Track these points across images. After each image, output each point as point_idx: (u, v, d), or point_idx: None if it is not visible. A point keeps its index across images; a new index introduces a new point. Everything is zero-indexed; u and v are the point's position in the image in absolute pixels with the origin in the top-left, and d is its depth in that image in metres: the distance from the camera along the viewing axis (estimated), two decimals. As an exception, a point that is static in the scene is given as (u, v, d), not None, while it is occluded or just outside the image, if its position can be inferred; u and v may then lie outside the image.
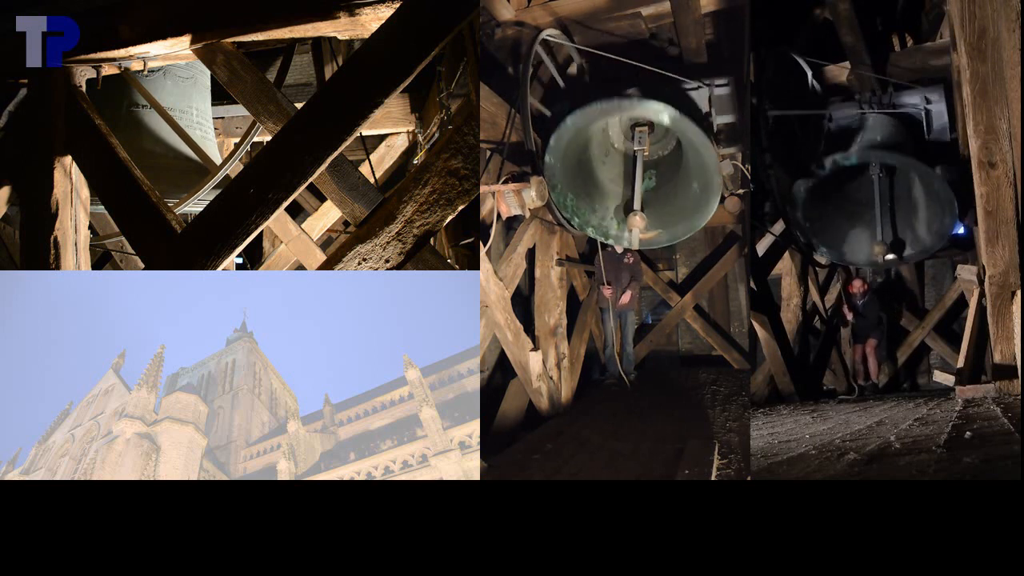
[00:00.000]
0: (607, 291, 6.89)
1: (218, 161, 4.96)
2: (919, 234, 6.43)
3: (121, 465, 8.89)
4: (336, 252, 2.99)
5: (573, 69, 5.72)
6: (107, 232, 5.75)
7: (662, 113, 4.88)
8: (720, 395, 6.19)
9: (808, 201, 6.41)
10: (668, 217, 5.46)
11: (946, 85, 6.14)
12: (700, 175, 5.19)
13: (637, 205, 5.05)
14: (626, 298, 7.00)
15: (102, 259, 6.79)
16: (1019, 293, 4.00)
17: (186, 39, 3.61)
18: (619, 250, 6.89)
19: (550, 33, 5.16)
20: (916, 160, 6.02)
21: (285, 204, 3.09)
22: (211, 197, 4.44)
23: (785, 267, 7.81)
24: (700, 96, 5.42)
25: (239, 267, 8.21)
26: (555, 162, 5.08)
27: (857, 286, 7.55)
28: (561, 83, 5.57)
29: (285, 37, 3.65)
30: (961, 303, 8.22)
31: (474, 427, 8.82)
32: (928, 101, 6.24)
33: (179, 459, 9.45)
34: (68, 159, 3.67)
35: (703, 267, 9.19)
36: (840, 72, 6.90)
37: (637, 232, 5.11)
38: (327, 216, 6.77)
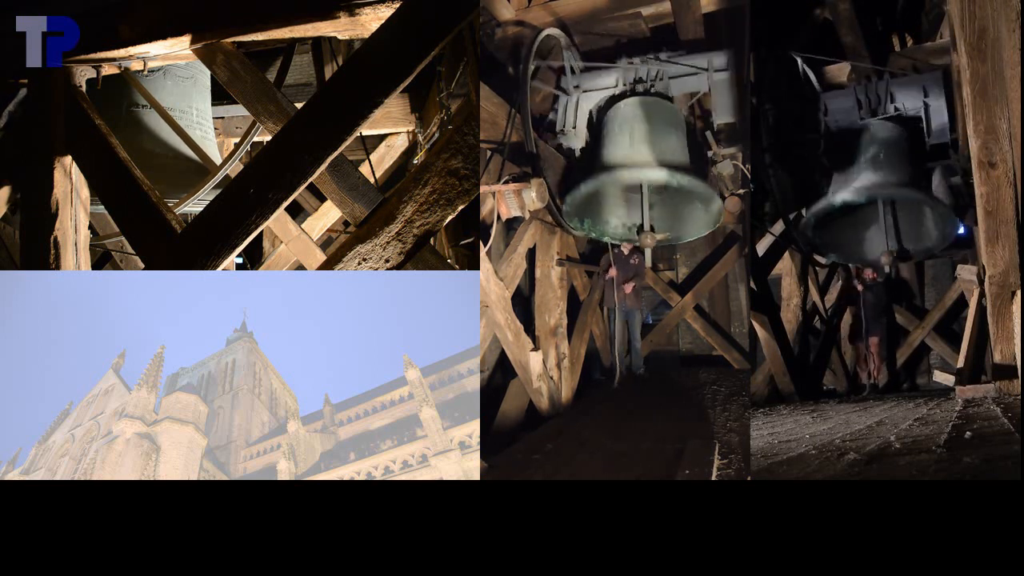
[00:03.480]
0: (627, 287, 7.07)
1: (218, 161, 4.96)
2: (923, 237, 6.46)
3: (121, 465, 8.88)
4: (336, 252, 2.99)
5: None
6: (107, 232, 5.75)
7: (662, 176, 5.49)
8: (720, 395, 6.19)
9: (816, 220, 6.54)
10: (675, 223, 5.74)
11: (945, 75, 6.11)
12: (702, 197, 5.47)
13: (647, 224, 5.37)
14: (628, 287, 7.11)
15: (102, 259, 6.79)
16: (1019, 293, 3.99)
17: (186, 39, 3.61)
18: (625, 252, 6.99)
19: (550, 33, 5.18)
20: (925, 195, 6.11)
21: (285, 204, 3.09)
22: (211, 197, 4.44)
23: (785, 267, 7.81)
24: (699, 81, 5.52)
25: (239, 267, 8.21)
26: (572, 210, 5.73)
27: (869, 273, 7.57)
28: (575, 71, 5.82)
29: (285, 37, 3.65)
30: (961, 303, 8.22)
31: (474, 427, 8.81)
32: (926, 94, 6.20)
33: (179, 459, 9.44)
34: (68, 159, 3.67)
35: (703, 267, 9.18)
36: (840, 72, 6.90)
37: (650, 252, 5.54)
38: (327, 216, 6.77)
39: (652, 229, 5.62)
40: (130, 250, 5.49)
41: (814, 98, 6.59)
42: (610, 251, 7.00)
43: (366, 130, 5.01)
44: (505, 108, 4.89)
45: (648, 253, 5.53)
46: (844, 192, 6.33)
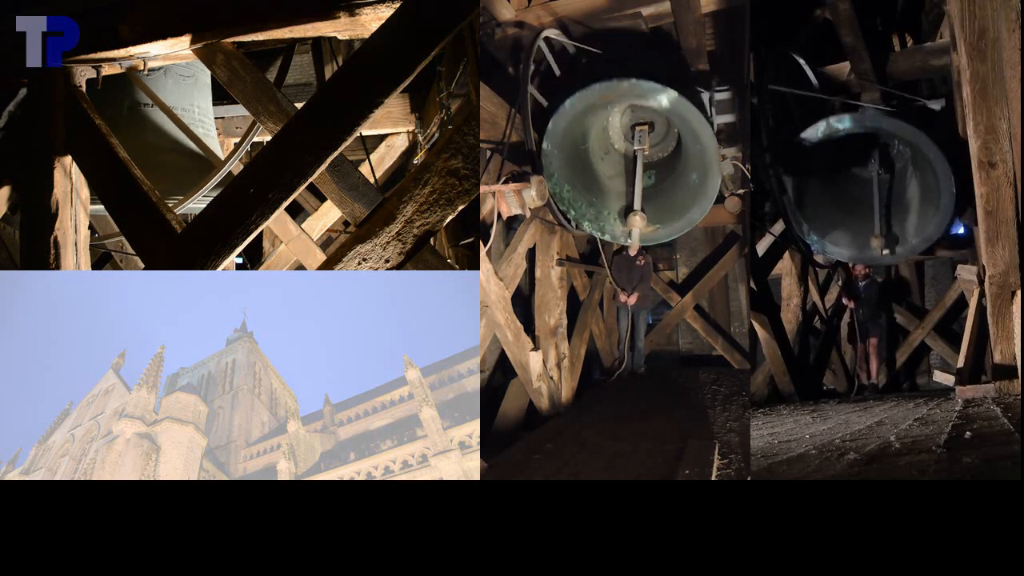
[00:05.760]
0: (624, 296, 7.18)
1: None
2: (918, 226, 6.37)
3: (121, 465, 8.89)
4: (336, 252, 2.99)
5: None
6: (107, 232, 5.74)
7: (661, 95, 4.83)
8: (720, 395, 6.19)
9: (805, 194, 6.34)
10: (667, 213, 5.50)
11: (947, 96, 6.08)
12: (699, 164, 5.21)
13: (637, 205, 5.10)
14: (634, 299, 7.19)
15: (102, 259, 6.79)
16: (1019, 293, 4.00)
17: (186, 39, 3.61)
18: (632, 253, 7.00)
19: (551, 33, 5.17)
20: (914, 128, 5.78)
21: (285, 204, 3.09)
22: (212, 196, 4.44)
23: (785, 267, 7.82)
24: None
25: (239, 267, 8.21)
26: (552, 148, 4.98)
27: (860, 269, 7.50)
28: (558, 72, 5.57)
29: (285, 37, 3.65)
30: (961, 303, 8.22)
31: (474, 427, 8.82)
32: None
33: (179, 459, 9.45)
34: (68, 159, 3.67)
35: (703, 267, 9.20)
36: (840, 72, 6.89)
37: (638, 232, 5.16)
38: (327, 216, 6.77)
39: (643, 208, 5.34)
40: (130, 250, 5.49)
41: (814, 97, 6.56)
42: (615, 256, 7.04)
43: (366, 130, 5.00)
44: (505, 108, 4.89)
45: (636, 233, 5.23)
46: (829, 117, 5.88)
